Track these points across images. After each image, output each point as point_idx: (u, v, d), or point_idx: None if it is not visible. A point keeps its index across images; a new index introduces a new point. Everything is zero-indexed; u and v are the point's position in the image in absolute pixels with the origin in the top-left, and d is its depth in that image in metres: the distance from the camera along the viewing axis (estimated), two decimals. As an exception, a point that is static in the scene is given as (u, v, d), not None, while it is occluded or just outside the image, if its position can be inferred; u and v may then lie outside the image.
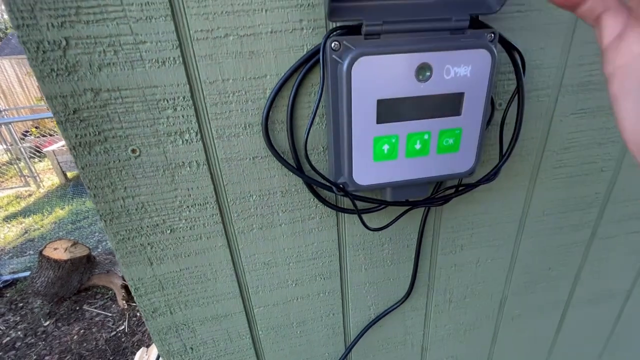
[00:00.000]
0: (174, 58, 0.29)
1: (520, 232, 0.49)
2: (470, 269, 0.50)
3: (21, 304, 2.32)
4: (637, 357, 0.74)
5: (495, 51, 0.30)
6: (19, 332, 2.12)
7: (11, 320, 2.21)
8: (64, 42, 0.27)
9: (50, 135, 4.98)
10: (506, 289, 0.54)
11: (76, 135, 0.30)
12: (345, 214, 0.41)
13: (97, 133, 0.30)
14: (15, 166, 3.97)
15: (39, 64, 0.27)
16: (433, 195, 0.40)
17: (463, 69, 0.30)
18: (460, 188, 0.39)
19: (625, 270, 0.59)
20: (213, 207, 0.36)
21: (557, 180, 0.46)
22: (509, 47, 0.33)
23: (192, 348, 0.44)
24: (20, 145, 3.85)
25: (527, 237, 0.50)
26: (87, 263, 2.31)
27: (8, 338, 2.09)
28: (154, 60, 0.29)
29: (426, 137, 0.32)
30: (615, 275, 0.59)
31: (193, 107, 0.31)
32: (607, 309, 0.63)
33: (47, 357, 1.97)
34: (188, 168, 0.34)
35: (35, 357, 1.97)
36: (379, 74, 0.28)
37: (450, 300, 0.52)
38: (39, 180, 4.03)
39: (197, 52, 0.30)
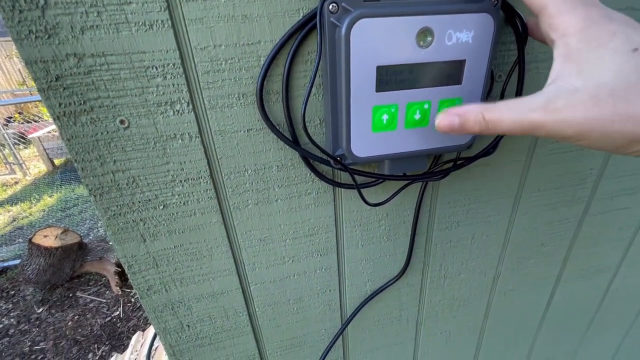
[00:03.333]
0: (162, 21, 0.28)
1: (515, 207, 0.49)
2: (465, 245, 0.50)
3: (12, 292, 2.30)
4: (622, 330, 0.77)
5: (498, 16, 0.29)
6: (12, 319, 2.11)
7: (3, 307, 2.20)
8: (42, 1, 0.25)
9: (35, 121, 4.82)
10: (500, 265, 0.55)
11: (60, 105, 0.28)
12: (342, 190, 0.40)
13: (82, 102, 0.29)
14: (0, 153, 3.85)
15: (16, 25, 0.25)
16: (431, 169, 0.40)
17: (465, 35, 0.29)
18: (459, 162, 0.39)
19: (614, 246, 0.60)
20: (207, 181, 0.35)
21: (553, 156, 0.46)
22: (512, 14, 0.32)
23: (188, 325, 0.43)
24: (3, 131, 3.73)
25: (522, 212, 0.50)
26: (79, 250, 2.29)
27: (1, 325, 2.08)
28: (140, 22, 0.27)
29: (426, 106, 0.31)
30: (605, 251, 0.60)
31: (184, 75, 0.30)
32: (596, 284, 0.65)
33: (42, 343, 1.97)
34: (180, 140, 0.33)
35: (29, 343, 1.97)
36: (379, 39, 0.27)
37: (445, 276, 0.53)
38: (25, 167, 3.93)
39: (187, 15, 0.28)
